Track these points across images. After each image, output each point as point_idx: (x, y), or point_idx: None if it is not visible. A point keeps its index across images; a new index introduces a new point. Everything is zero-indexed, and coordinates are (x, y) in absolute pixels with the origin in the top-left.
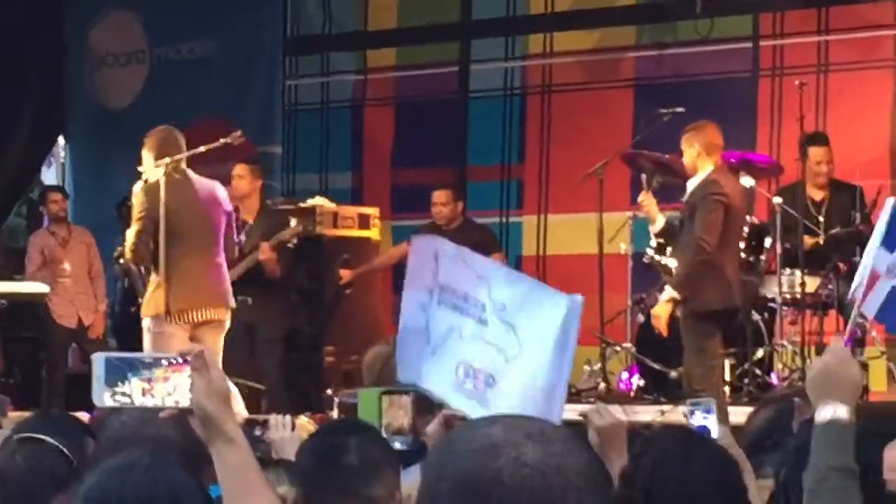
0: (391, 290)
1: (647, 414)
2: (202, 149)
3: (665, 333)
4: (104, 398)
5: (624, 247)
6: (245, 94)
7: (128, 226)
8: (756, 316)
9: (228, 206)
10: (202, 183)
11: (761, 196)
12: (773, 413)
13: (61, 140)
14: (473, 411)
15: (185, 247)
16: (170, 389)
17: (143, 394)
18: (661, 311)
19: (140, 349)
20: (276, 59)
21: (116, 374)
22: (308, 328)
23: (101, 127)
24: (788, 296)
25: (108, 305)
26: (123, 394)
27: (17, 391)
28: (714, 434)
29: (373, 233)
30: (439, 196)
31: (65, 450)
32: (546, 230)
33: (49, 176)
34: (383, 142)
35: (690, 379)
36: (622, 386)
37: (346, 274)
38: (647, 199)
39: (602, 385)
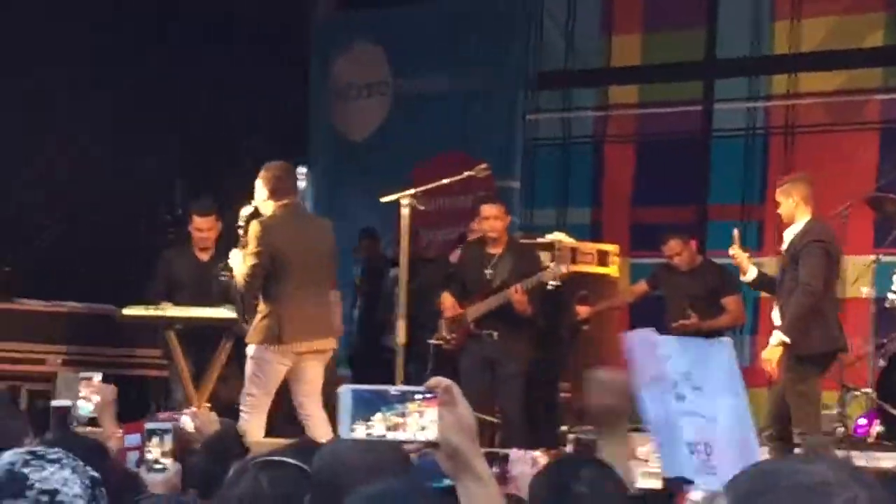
0: (629, 328)
1: (888, 461)
2: (446, 181)
3: (776, 377)
4: (352, 431)
5: (866, 290)
6: (485, 128)
7: (367, 256)
8: None
9: (333, 244)
10: (315, 220)
11: None
12: None
13: (301, 168)
14: (712, 484)
15: (295, 281)
16: (424, 423)
17: (397, 428)
18: (772, 354)
19: (382, 378)
20: (517, 93)
21: (367, 407)
22: (544, 363)
23: (341, 157)
24: None
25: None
26: (390, 426)
27: None
28: None
29: (612, 270)
30: (670, 249)
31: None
32: None
33: None
34: (623, 179)
35: None
36: (859, 431)
37: (583, 310)
38: (737, 253)
39: (840, 429)
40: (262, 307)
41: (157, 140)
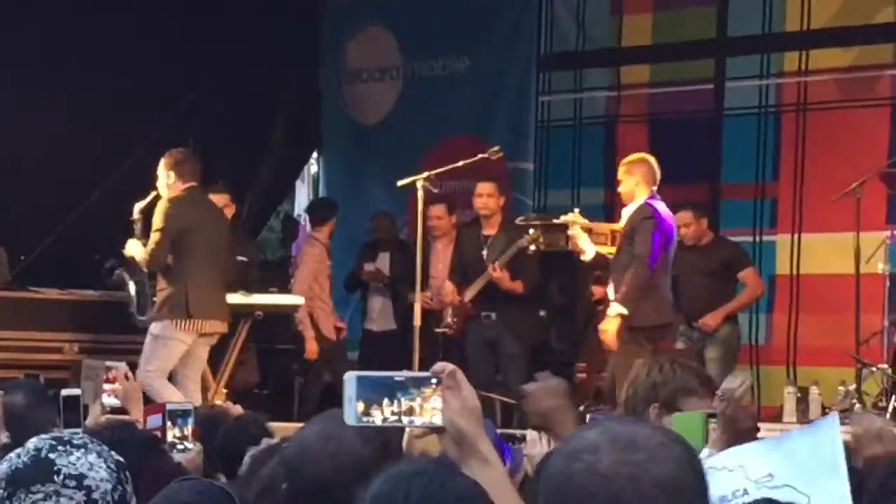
0: None
1: None
2: (460, 163)
3: (614, 348)
4: (356, 418)
5: (881, 267)
6: (497, 110)
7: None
8: None
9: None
10: (216, 208)
11: None
12: None
13: (314, 154)
14: None
15: (199, 259)
16: (437, 407)
17: (412, 412)
18: (609, 325)
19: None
20: (528, 75)
21: (376, 392)
22: (560, 344)
23: (353, 141)
24: None
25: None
26: (396, 411)
27: (270, 402)
28: None
29: None
30: (681, 218)
31: None
32: (800, 249)
33: (302, 190)
34: None
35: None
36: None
37: (598, 291)
38: (576, 232)
39: (857, 406)
40: (164, 285)
41: (172, 128)
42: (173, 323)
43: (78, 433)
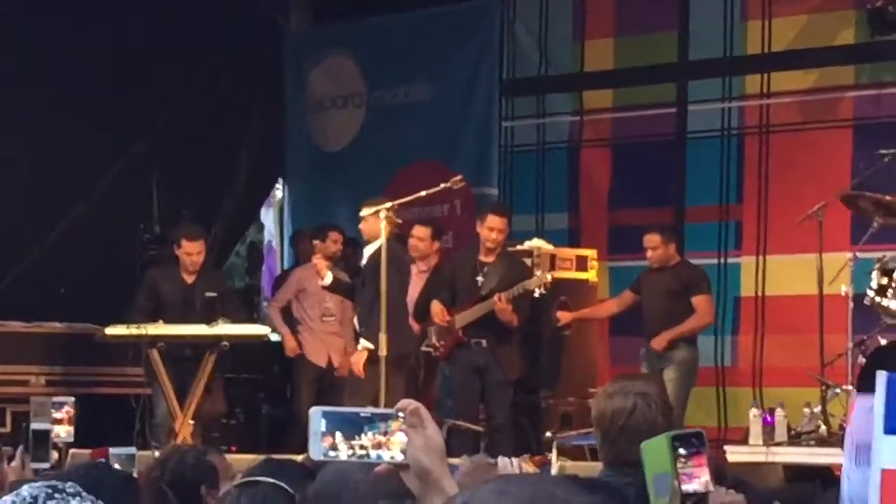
0: (608, 333)
1: None
2: (423, 193)
3: (363, 376)
4: (321, 452)
5: (844, 288)
6: (460, 136)
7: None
8: None
9: None
10: None
11: None
12: None
13: (279, 180)
14: None
15: None
16: (402, 444)
17: (380, 446)
18: (359, 358)
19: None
20: (491, 100)
21: (343, 427)
22: (526, 370)
23: (318, 168)
24: None
25: None
26: (361, 446)
27: (237, 432)
28: None
29: (590, 275)
30: (649, 240)
31: (287, 488)
32: (765, 271)
33: (267, 217)
34: (600, 183)
35: None
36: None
37: (564, 316)
38: (319, 260)
39: (822, 427)
40: None
41: (135, 159)
42: None
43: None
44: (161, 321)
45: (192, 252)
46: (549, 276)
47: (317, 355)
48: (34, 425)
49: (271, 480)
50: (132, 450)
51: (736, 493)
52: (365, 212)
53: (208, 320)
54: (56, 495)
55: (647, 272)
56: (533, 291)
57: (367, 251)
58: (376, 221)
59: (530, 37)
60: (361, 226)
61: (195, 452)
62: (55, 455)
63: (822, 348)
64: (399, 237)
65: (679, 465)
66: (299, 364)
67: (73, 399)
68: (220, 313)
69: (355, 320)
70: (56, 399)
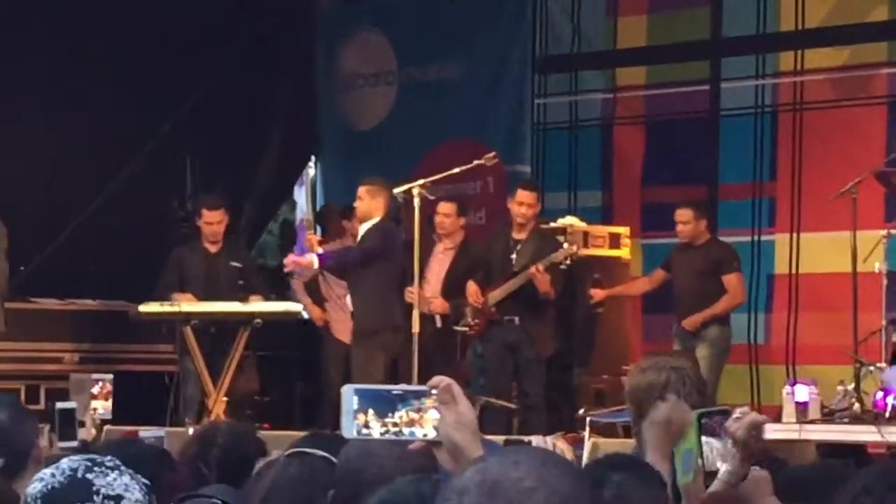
0: (641, 311)
1: None
2: (456, 170)
3: None
4: (354, 430)
5: (878, 265)
6: (493, 113)
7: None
8: None
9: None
10: None
11: None
12: None
13: (312, 159)
14: None
15: None
16: (435, 418)
17: (413, 424)
18: None
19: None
20: (524, 78)
21: (375, 405)
22: (559, 347)
23: (349, 147)
24: None
25: None
26: (394, 424)
27: (270, 409)
28: None
29: (623, 252)
30: (681, 215)
31: (334, 460)
32: (799, 248)
33: (300, 195)
34: (633, 160)
35: None
36: (878, 405)
37: (597, 293)
38: (311, 237)
39: (856, 405)
40: None
41: (167, 137)
42: None
43: (108, 458)
44: (188, 293)
45: (212, 221)
46: (574, 248)
47: (344, 332)
48: (60, 404)
49: (320, 453)
50: (161, 432)
51: (760, 470)
52: (397, 190)
53: (233, 292)
54: (95, 468)
55: (677, 250)
56: (560, 263)
57: (362, 230)
58: (371, 201)
59: (563, 13)
60: (356, 204)
61: (243, 428)
62: (93, 431)
63: (855, 326)
64: (395, 217)
65: (704, 443)
66: (326, 341)
67: (111, 376)
68: (245, 287)
69: (348, 298)
70: (94, 376)
